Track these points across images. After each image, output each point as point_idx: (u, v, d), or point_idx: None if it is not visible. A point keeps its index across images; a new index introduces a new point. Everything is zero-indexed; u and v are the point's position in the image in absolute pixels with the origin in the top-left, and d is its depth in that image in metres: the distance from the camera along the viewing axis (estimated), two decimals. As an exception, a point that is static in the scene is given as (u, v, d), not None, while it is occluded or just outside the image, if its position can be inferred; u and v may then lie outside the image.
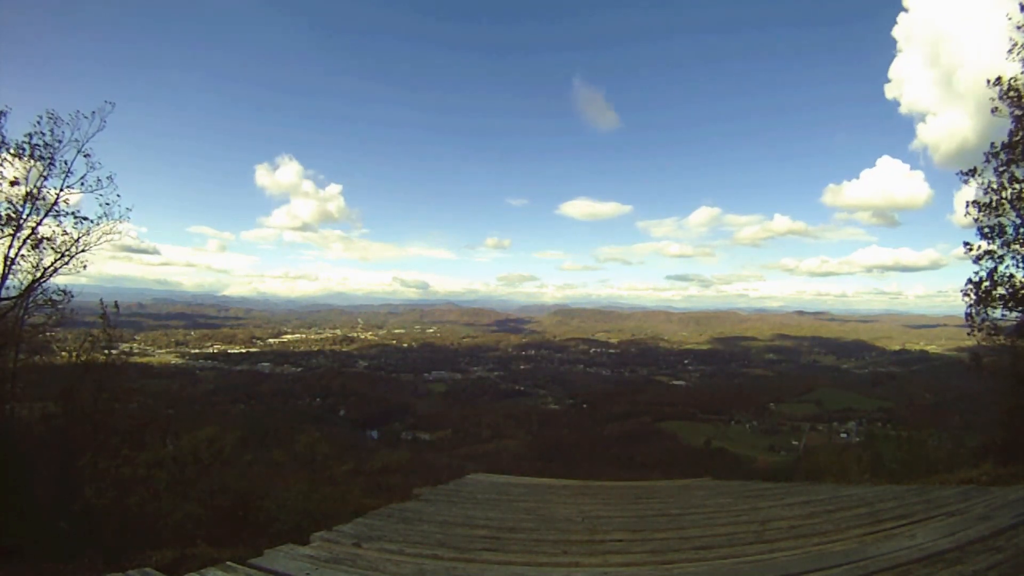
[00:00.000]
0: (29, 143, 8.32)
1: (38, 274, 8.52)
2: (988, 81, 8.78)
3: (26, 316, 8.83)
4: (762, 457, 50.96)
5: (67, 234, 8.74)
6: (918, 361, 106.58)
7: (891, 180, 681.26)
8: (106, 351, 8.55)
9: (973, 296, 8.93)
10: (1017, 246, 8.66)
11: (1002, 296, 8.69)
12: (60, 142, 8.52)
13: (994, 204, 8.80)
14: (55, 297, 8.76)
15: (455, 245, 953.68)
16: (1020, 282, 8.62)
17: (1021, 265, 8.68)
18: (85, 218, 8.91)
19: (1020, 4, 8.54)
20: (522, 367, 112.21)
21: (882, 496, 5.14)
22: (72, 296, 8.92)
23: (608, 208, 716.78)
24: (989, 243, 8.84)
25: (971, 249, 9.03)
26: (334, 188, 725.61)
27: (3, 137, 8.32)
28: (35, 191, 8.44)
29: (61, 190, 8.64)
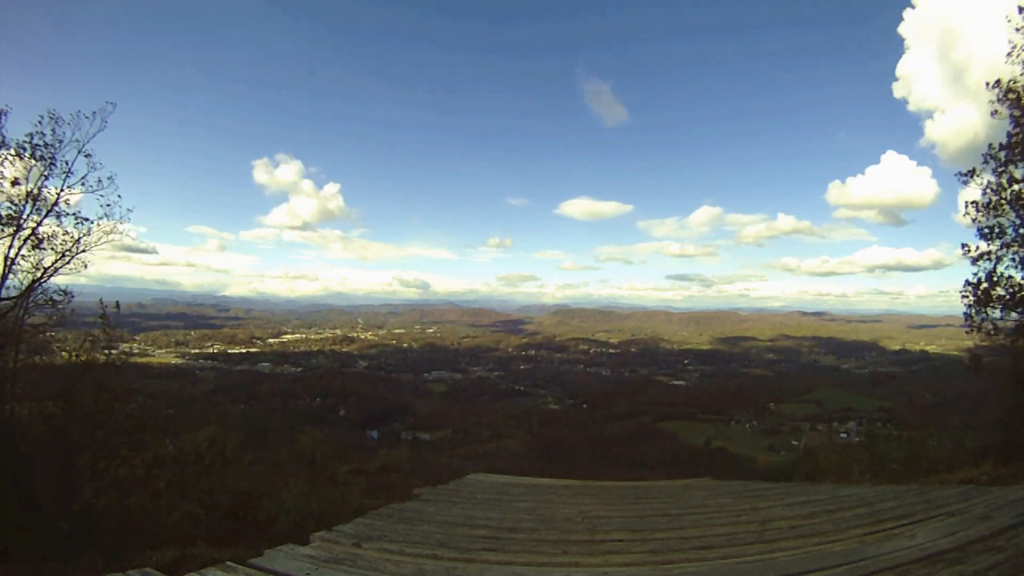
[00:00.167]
0: (30, 143, 8.34)
1: (38, 274, 8.53)
2: (987, 84, 8.79)
3: (26, 316, 8.82)
4: (762, 457, 51.06)
5: (67, 234, 8.77)
6: (918, 361, 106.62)
7: (897, 176, 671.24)
8: (106, 351, 8.57)
9: (972, 297, 8.93)
10: (1016, 247, 8.66)
11: (1001, 297, 8.69)
12: (61, 142, 8.55)
13: (993, 205, 8.81)
14: (55, 297, 8.76)
15: (455, 245, 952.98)
16: (1019, 283, 8.62)
17: (1020, 266, 8.68)
18: (86, 218, 8.95)
19: (1019, 6, 8.54)
20: (522, 367, 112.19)
21: (882, 496, 5.14)
22: (72, 296, 8.92)
23: (609, 207, 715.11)
24: (988, 244, 8.86)
25: (968, 251, 9.04)
26: (333, 187, 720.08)
27: (3, 137, 8.35)
28: (36, 191, 8.46)
29: (62, 190, 8.68)
